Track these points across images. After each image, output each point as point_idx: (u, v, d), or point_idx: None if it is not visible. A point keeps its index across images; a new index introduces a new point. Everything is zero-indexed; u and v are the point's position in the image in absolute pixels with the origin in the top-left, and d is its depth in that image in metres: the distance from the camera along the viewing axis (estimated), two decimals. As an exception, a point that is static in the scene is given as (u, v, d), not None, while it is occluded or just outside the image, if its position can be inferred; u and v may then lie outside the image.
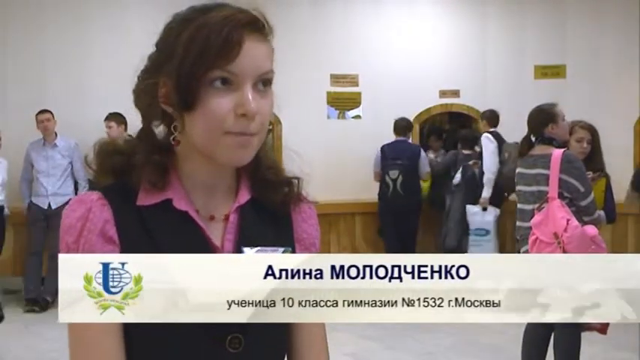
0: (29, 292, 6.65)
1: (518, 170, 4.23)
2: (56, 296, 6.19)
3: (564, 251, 3.73)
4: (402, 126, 7.69)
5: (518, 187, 4.22)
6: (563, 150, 4.03)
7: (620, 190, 5.19)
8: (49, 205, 6.76)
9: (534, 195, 4.05)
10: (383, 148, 7.65)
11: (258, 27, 1.08)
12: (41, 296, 6.61)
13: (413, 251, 7.79)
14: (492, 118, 7.50)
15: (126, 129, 6.70)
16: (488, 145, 7.26)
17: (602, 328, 4.02)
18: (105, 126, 6.85)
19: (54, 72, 7.38)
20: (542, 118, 4.15)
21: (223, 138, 1.06)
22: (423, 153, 7.70)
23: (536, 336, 4.17)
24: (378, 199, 7.66)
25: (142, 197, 1.12)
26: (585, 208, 3.94)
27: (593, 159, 4.30)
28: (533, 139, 4.17)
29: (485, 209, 7.27)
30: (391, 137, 7.76)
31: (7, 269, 7.01)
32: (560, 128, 4.17)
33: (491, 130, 7.40)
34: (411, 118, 8.22)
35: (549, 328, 4.12)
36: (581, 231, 3.76)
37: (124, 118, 6.74)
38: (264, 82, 1.09)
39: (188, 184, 1.14)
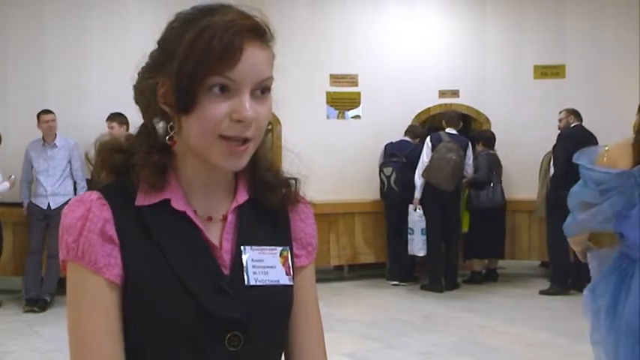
0: (29, 292, 6.62)
1: None
2: (55, 296, 6.15)
3: None
4: (407, 131, 7.91)
5: None
6: None
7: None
8: (49, 205, 6.74)
9: None
10: (385, 147, 7.76)
11: (260, 33, 1.08)
12: (40, 296, 6.60)
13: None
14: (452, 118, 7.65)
15: (127, 129, 6.66)
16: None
17: None
18: (107, 126, 6.83)
19: (54, 72, 7.37)
20: None
21: (217, 142, 1.06)
22: None
23: None
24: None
25: (140, 197, 1.12)
26: None
27: None
28: None
29: (415, 209, 7.52)
30: (391, 136, 7.83)
31: (7, 269, 7.00)
32: None
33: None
34: (411, 118, 8.26)
35: None
36: None
37: (126, 118, 6.72)
38: (263, 89, 1.08)
39: (186, 185, 1.14)
